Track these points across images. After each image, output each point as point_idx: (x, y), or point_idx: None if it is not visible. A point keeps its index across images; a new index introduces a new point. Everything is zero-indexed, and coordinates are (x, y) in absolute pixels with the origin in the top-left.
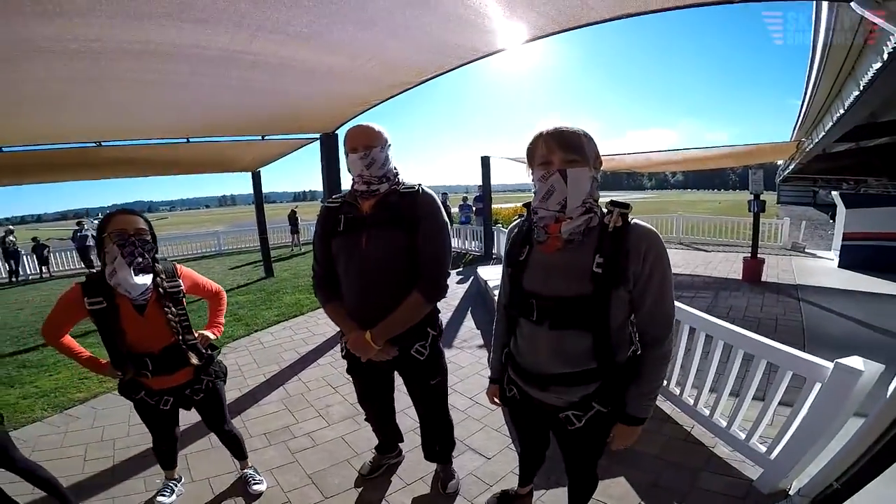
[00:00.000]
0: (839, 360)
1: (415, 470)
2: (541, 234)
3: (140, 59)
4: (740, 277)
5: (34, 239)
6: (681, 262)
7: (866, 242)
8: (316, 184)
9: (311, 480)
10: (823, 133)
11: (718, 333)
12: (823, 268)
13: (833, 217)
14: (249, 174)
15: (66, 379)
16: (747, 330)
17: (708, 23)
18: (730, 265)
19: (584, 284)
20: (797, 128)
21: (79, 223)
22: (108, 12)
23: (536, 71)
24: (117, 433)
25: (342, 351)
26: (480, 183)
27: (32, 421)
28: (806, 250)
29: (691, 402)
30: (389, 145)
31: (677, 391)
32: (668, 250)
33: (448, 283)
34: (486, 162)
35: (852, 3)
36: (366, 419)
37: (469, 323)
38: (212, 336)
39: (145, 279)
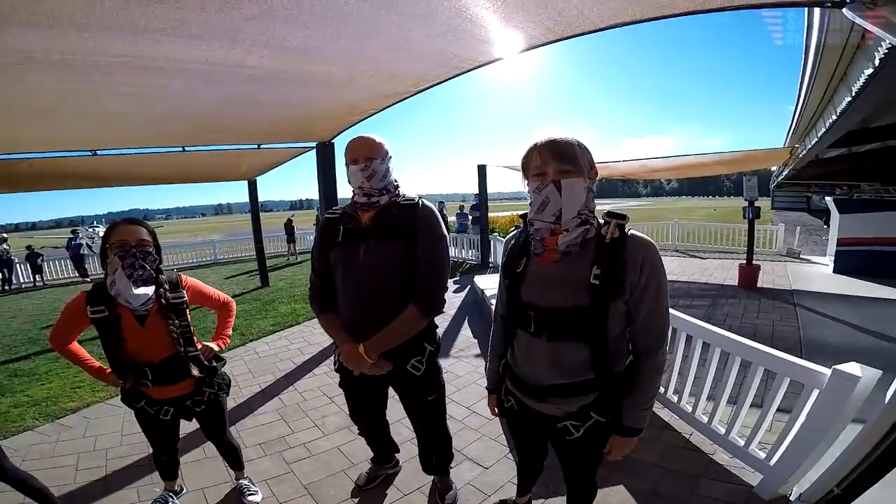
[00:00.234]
0: (836, 367)
1: (412, 480)
2: (538, 246)
3: (134, 73)
4: (736, 284)
5: (28, 247)
6: (677, 269)
7: (860, 247)
8: (313, 192)
9: (306, 491)
10: (817, 139)
11: (715, 341)
12: (818, 273)
13: (827, 222)
14: (246, 183)
15: (57, 388)
16: (744, 336)
17: (702, 30)
18: (726, 272)
19: (581, 296)
20: (790, 133)
21: (73, 231)
22: (101, 26)
23: (533, 79)
24: (110, 443)
25: (335, 364)
26: (477, 191)
27: (23, 430)
28: (801, 256)
29: (689, 409)
30: (390, 157)
31: (675, 399)
32: (664, 258)
33: (445, 297)
34: (482, 170)
35: (845, 10)
36: (359, 433)
37: (466, 332)
38: (216, 348)
39: (146, 290)
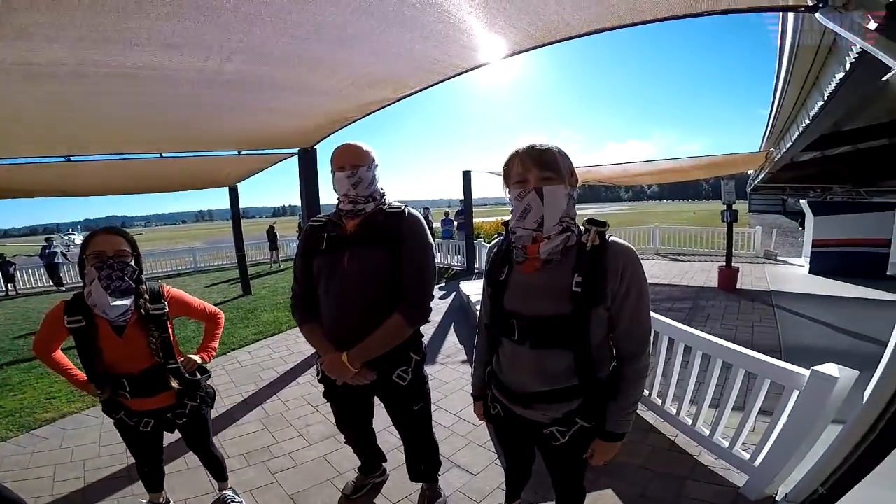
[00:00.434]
0: (815, 368)
1: (400, 489)
2: (519, 254)
3: (107, 81)
4: (716, 286)
5: (0, 255)
6: (658, 272)
7: (834, 249)
8: (296, 199)
9: (292, 501)
10: (791, 142)
11: (697, 344)
12: (795, 274)
13: (802, 224)
14: (227, 189)
15: (31, 399)
16: (725, 338)
17: (680, 35)
18: (706, 274)
19: (563, 304)
20: (766, 137)
21: (47, 239)
22: (72, 37)
23: (518, 85)
24: (87, 454)
25: (318, 374)
26: (462, 197)
27: None
28: (778, 258)
29: (674, 411)
30: (377, 165)
31: (659, 401)
32: (646, 261)
33: (431, 305)
34: (467, 176)
35: (817, 14)
36: (346, 442)
37: (452, 338)
38: (199, 360)
39: (124, 301)
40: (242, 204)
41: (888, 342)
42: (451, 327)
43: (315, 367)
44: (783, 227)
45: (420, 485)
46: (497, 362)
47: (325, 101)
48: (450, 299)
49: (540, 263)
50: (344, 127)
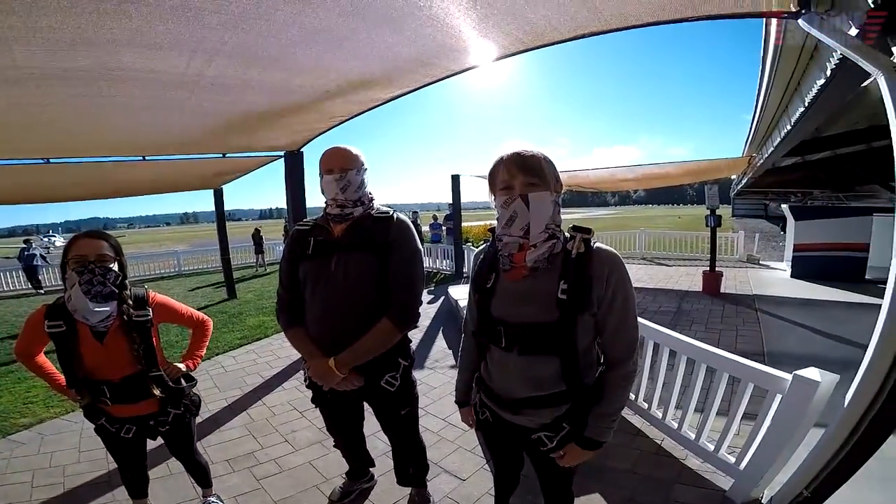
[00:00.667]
0: (797, 372)
1: (388, 495)
2: (506, 262)
3: (86, 84)
4: (701, 290)
5: None
6: (644, 277)
7: (815, 253)
8: (283, 201)
9: None
10: (773, 148)
11: (681, 349)
12: (777, 278)
13: (784, 229)
14: (212, 191)
15: (8, 403)
16: (709, 342)
17: (666, 40)
18: (690, 279)
19: (550, 311)
20: (748, 143)
21: (26, 241)
22: (49, 40)
23: (507, 89)
24: (66, 459)
25: (305, 380)
26: (451, 201)
27: None
28: (761, 262)
29: (660, 415)
30: (365, 169)
31: (646, 405)
32: (631, 266)
33: (420, 310)
34: (455, 180)
35: (800, 21)
36: (334, 446)
37: (440, 343)
38: (183, 368)
39: (105, 307)
40: (228, 206)
41: (868, 346)
42: (440, 332)
43: (302, 372)
44: (766, 231)
45: (408, 490)
46: (485, 369)
47: (311, 102)
48: (438, 304)
49: (526, 271)
50: (331, 129)
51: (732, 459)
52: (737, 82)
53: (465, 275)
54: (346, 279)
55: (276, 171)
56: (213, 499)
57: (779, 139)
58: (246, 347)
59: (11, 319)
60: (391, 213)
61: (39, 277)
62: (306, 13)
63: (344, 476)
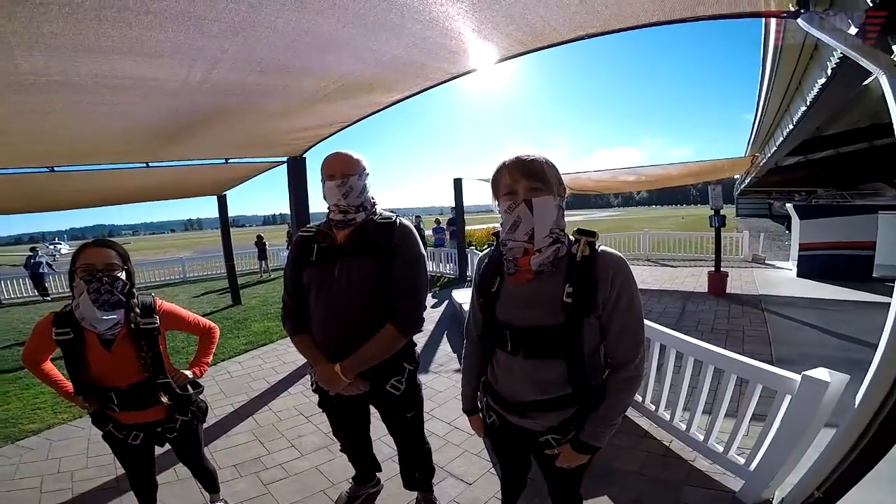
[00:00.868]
0: (806, 373)
1: (395, 499)
2: (510, 266)
3: (88, 91)
4: (706, 291)
5: None
6: (649, 278)
7: (821, 252)
8: (287, 207)
9: None
10: (775, 147)
11: (688, 350)
12: (783, 278)
13: (788, 228)
14: (216, 197)
15: (17, 409)
16: (716, 342)
17: (666, 41)
18: (695, 279)
19: (555, 314)
20: (751, 143)
21: (32, 249)
22: (51, 46)
23: (509, 92)
24: (74, 465)
25: (312, 384)
26: (454, 205)
27: None
28: (766, 261)
29: (667, 417)
30: (367, 174)
31: (653, 407)
32: (636, 268)
33: (424, 315)
34: (458, 184)
35: (799, 20)
36: (341, 450)
37: (445, 347)
38: (190, 375)
39: (113, 315)
40: (232, 212)
41: (878, 345)
42: (444, 336)
43: (309, 377)
44: (770, 230)
45: (415, 494)
46: (491, 372)
47: (313, 107)
48: (442, 307)
49: (531, 274)
50: (333, 134)
51: (742, 461)
52: (738, 83)
53: (468, 278)
54: (350, 285)
55: (280, 177)
56: None
57: (781, 138)
58: (251, 353)
59: (19, 326)
60: (394, 218)
61: (46, 285)
62: (306, 20)
63: (350, 481)
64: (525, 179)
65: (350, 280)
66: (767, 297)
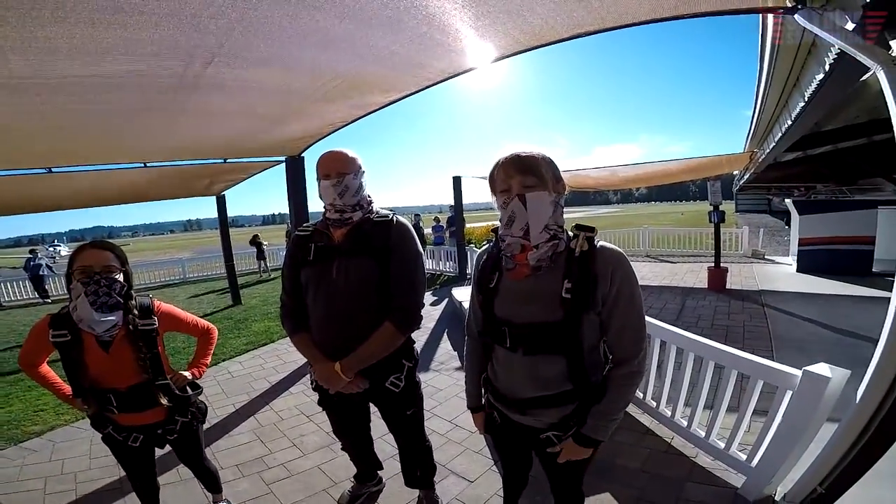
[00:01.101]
0: (807, 368)
1: (397, 498)
2: (509, 262)
3: (84, 91)
4: (706, 286)
5: None
6: (649, 274)
7: (820, 247)
8: (286, 206)
9: None
10: (774, 143)
11: (688, 346)
12: (783, 273)
13: (788, 223)
14: (214, 198)
15: (19, 411)
16: (717, 338)
17: (664, 38)
18: (695, 275)
19: (554, 310)
20: (749, 138)
21: (32, 251)
22: (45, 50)
23: (507, 90)
24: (78, 466)
25: (312, 383)
26: (453, 203)
27: None
28: (766, 257)
29: (669, 413)
30: (363, 172)
31: (654, 404)
32: (636, 264)
33: (422, 313)
34: (457, 182)
35: (796, 16)
36: (342, 449)
37: (445, 345)
38: (189, 376)
39: (111, 317)
40: (231, 213)
41: (878, 340)
42: (445, 334)
43: (309, 375)
44: (770, 226)
45: (416, 492)
46: (491, 369)
47: (311, 106)
48: (442, 305)
49: (530, 270)
50: (332, 133)
51: (744, 457)
52: (736, 79)
53: (468, 276)
54: (348, 284)
55: (278, 177)
56: None
57: (780, 134)
58: (252, 353)
59: (19, 329)
60: (391, 216)
61: (46, 287)
62: (302, 16)
63: (352, 479)
64: (520, 175)
65: (348, 279)
66: (767, 293)
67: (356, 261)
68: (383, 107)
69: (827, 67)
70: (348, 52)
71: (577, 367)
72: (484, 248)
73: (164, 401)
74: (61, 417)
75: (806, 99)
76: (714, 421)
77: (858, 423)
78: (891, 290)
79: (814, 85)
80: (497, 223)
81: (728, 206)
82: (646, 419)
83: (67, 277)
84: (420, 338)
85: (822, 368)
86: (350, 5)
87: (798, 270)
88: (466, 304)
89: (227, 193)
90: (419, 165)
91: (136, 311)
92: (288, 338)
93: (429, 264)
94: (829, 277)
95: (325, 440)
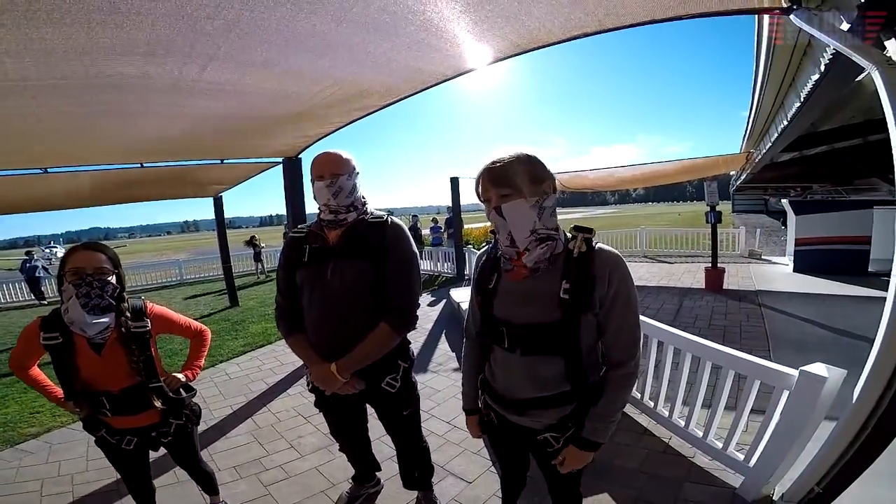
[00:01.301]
0: (803, 368)
1: (395, 499)
2: (507, 263)
3: (80, 93)
4: (703, 287)
5: None
6: (646, 275)
7: (816, 247)
8: (283, 208)
9: None
10: (770, 143)
11: (685, 346)
12: (780, 273)
13: (784, 223)
14: (212, 199)
15: (15, 413)
16: (714, 338)
17: (661, 39)
18: (692, 276)
19: (552, 311)
20: (746, 139)
21: (28, 253)
22: (41, 51)
23: (506, 90)
24: (74, 468)
25: (308, 385)
26: (450, 204)
27: None
28: (762, 257)
29: (666, 413)
30: (357, 173)
31: (651, 404)
32: (634, 264)
33: (418, 313)
34: (455, 183)
35: (792, 16)
36: (340, 450)
37: (443, 346)
38: (183, 378)
39: (104, 319)
40: (228, 214)
41: (874, 339)
42: (443, 335)
43: (305, 377)
44: (766, 226)
45: (415, 494)
46: (489, 370)
47: (308, 108)
48: (440, 306)
49: (528, 271)
50: (329, 134)
51: (741, 457)
52: (733, 79)
53: (466, 277)
54: (343, 286)
55: (276, 178)
56: None
57: (776, 135)
58: (250, 354)
59: (15, 331)
60: (385, 217)
61: (42, 288)
62: (299, 19)
63: (350, 481)
64: (494, 188)
65: (343, 280)
66: (764, 293)
67: (351, 262)
68: (382, 108)
69: (822, 68)
70: (346, 59)
71: (575, 368)
72: (483, 249)
73: (157, 403)
74: (58, 419)
75: (802, 99)
76: (712, 421)
77: (856, 422)
78: (886, 290)
79: (809, 85)
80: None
81: (725, 207)
82: (643, 419)
83: (59, 279)
84: (418, 339)
85: (818, 368)
86: (347, 10)
87: (794, 270)
88: (464, 305)
89: (225, 194)
90: (417, 166)
91: (128, 314)
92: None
93: (427, 265)
94: (826, 277)
95: (322, 441)
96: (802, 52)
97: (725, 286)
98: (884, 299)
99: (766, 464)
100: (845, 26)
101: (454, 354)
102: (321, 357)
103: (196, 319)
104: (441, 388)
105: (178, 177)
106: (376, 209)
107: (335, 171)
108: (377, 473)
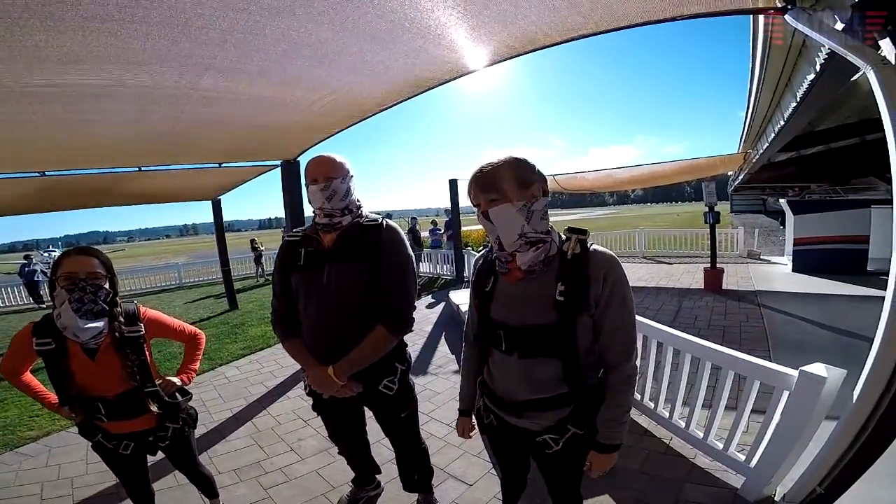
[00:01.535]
0: (803, 368)
1: (395, 502)
2: (503, 266)
3: (77, 100)
4: (702, 287)
5: None
6: (645, 275)
7: (815, 246)
8: (282, 211)
9: None
10: (767, 143)
11: (685, 347)
12: (779, 273)
13: (783, 223)
14: (210, 202)
15: (14, 416)
16: (714, 338)
17: (658, 40)
18: (691, 276)
19: (548, 313)
20: (743, 139)
21: (26, 257)
22: (36, 58)
23: (504, 93)
24: (74, 471)
25: (305, 388)
26: (449, 206)
27: None
28: (761, 257)
29: (667, 414)
30: (351, 176)
31: (652, 405)
32: (633, 265)
33: (415, 316)
34: (453, 185)
35: (786, 16)
36: (339, 453)
37: (443, 348)
38: (178, 382)
39: (97, 324)
40: (227, 217)
41: (874, 339)
42: (442, 337)
43: (302, 380)
44: (764, 226)
45: (415, 497)
46: (488, 373)
47: (306, 115)
48: (439, 309)
49: (523, 273)
50: (328, 138)
51: (742, 457)
52: (730, 80)
53: (465, 279)
54: (339, 289)
55: (274, 181)
56: None
57: (773, 135)
58: (249, 357)
59: (13, 335)
60: (380, 220)
61: (41, 292)
62: (295, 28)
63: (350, 484)
64: (482, 193)
65: (339, 284)
66: (763, 293)
67: (346, 265)
68: (379, 112)
69: (818, 68)
70: (343, 68)
71: (572, 370)
72: (481, 252)
73: (153, 408)
74: (57, 423)
75: (798, 99)
76: (712, 422)
77: (856, 422)
78: (885, 289)
79: (805, 85)
80: None
81: (723, 207)
82: (644, 420)
83: (51, 284)
84: (417, 341)
85: (818, 368)
86: (344, 17)
87: (793, 270)
88: (464, 308)
89: (223, 198)
90: (416, 168)
91: (121, 318)
92: None
93: (426, 267)
94: (824, 277)
95: (322, 444)
96: (798, 53)
97: (724, 286)
98: (882, 298)
99: (767, 464)
100: (840, 26)
101: (454, 357)
102: (318, 360)
103: (195, 323)
104: (441, 391)
105: (176, 180)
106: (372, 212)
107: (329, 175)
108: (377, 476)
